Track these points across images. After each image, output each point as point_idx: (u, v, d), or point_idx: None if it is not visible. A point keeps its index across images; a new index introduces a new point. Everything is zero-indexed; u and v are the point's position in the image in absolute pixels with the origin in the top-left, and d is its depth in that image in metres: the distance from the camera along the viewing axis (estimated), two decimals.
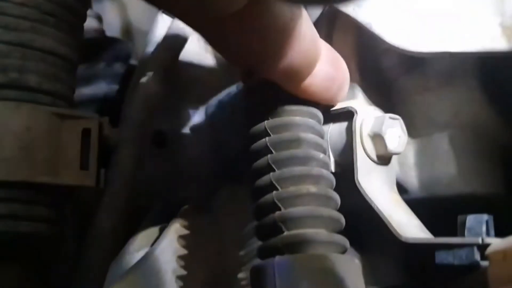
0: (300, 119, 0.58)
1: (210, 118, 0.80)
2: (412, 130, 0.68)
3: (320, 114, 0.61)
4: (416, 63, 0.64)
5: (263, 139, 0.57)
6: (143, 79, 0.72)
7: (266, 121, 0.57)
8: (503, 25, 0.55)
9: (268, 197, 0.55)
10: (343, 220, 0.57)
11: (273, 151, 0.56)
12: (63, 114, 0.55)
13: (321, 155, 0.58)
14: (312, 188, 0.54)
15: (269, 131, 0.57)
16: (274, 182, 0.54)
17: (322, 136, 0.60)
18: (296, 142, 0.56)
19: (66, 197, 0.59)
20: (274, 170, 0.55)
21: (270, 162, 0.55)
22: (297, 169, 0.55)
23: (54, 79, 0.59)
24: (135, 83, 0.77)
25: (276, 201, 0.53)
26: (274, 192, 0.54)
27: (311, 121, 0.59)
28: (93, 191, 0.59)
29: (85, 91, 0.99)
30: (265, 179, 0.56)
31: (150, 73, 0.72)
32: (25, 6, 0.56)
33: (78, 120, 0.56)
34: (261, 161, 0.57)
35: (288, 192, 0.54)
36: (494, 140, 0.67)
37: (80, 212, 0.70)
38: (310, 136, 0.58)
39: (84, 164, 0.56)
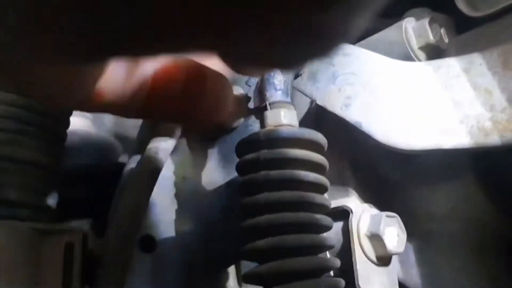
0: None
1: (200, 219, 0.78)
2: (410, 226, 0.65)
3: None
4: (410, 158, 0.63)
5: None
6: (131, 185, 0.70)
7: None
8: (493, 119, 0.55)
9: None
10: None
11: None
12: (44, 229, 0.53)
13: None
14: None
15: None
16: None
17: None
18: None
19: None
20: None
21: None
22: None
23: (35, 191, 0.57)
24: (122, 188, 0.74)
25: None
26: None
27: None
28: None
29: (72, 191, 0.96)
30: None
31: (137, 178, 0.70)
32: (3, 117, 0.55)
33: (60, 234, 0.53)
34: None
35: None
36: (495, 232, 0.65)
37: None
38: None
39: (66, 281, 0.52)
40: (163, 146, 0.76)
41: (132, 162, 0.84)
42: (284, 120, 0.58)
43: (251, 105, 0.63)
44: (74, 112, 0.67)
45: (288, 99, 0.60)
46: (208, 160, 0.85)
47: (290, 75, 0.61)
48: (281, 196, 0.54)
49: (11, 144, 0.54)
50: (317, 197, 0.55)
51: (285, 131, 0.57)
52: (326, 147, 0.59)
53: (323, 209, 0.56)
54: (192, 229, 0.79)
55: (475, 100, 0.56)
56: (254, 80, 0.63)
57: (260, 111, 0.60)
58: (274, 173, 0.55)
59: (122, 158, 1.08)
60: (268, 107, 0.59)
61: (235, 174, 0.77)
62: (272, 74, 0.60)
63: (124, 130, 1.17)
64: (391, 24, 0.76)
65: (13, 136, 0.55)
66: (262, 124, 0.60)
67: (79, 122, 1.09)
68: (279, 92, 0.59)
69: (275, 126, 0.58)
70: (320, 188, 0.57)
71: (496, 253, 0.65)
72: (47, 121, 0.57)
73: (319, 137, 0.58)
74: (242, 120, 0.80)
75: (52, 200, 0.60)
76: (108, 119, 1.29)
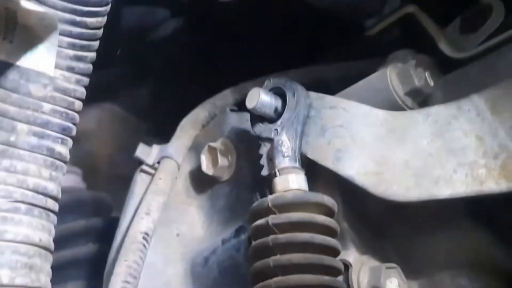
0: None
1: (195, 278, 0.77)
2: (411, 273, 0.64)
3: None
4: (406, 207, 0.62)
5: None
6: (125, 249, 0.68)
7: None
8: (487, 166, 0.55)
9: None
10: None
11: None
12: None
13: None
14: None
15: None
16: None
17: None
18: None
19: None
20: None
21: None
22: None
23: (28, 270, 0.55)
24: (115, 251, 0.73)
25: None
26: None
27: None
28: None
29: (65, 253, 0.94)
30: None
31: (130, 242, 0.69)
32: None
33: None
34: None
35: None
36: (499, 276, 0.65)
37: None
38: None
39: None
40: (155, 205, 0.75)
41: (125, 219, 0.83)
42: (293, 185, 0.61)
43: (264, 172, 0.65)
44: None
45: (297, 165, 0.62)
46: (200, 215, 0.84)
47: (298, 142, 0.63)
48: (290, 258, 0.56)
49: (2, 222, 0.53)
50: (326, 259, 0.57)
51: (292, 196, 0.59)
52: (335, 210, 0.60)
53: (333, 271, 0.57)
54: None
55: (466, 147, 0.56)
56: (266, 149, 0.65)
57: (270, 178, 0.63)
58: (282, 236, 0.57)
59: (114, 214, 1.07)
60: (277, 173, 0.62)
61: (229, 228, 0.77)
62: (280, 142, 0.63)
63: (116, 185, 1.16)
64: (374, 64, 0.76)
65: (5, 214, 0.53)
66: (273, 190, 0.62)
67: (69, 179, 1.08)
68: (287, 159, 0.62)
69: (284, 191, 0.60)
70: (330, 250, 0.58)
71: None
72: (39, 197, 0.56)
73: (326, 200, 0.59)
74: (232, 172, 0.80)
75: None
76: (101, 173, 1.28)
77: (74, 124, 0.55)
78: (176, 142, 0.83)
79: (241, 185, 0.78)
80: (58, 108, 0.54)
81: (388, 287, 0.60)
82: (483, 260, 0.63)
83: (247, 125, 0.73)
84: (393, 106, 0.65)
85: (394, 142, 0.59)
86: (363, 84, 0.69)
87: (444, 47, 0.72)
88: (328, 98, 0.65)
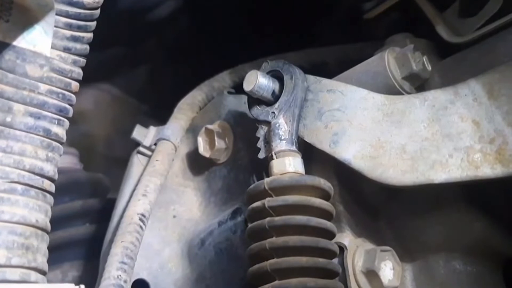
0: None
1: (192, 259, 0.77)
2: (406, 255, 0.65)
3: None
4: (402, 191, 0.62)
5: None
6: (121, 230, 0.69)
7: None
8: (483, 151, 0.55)
9: None
10: None
11: None
12: None
13: None
14: None
15: None
16: None
17: None
18: None
19: None
20: None
21: None
22: None
23: (25, 250, 0.55)
24: (112, 231, 0.74)
25: None
26: None
27: None
28: None
29: (62, 234, 0.95)
30: None
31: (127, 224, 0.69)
32: None
33: None
34: None
35: None
36: (493, 259, 0.65)
37: None
38: None
39: None
40: (152, 187, 0.76)
41: (122, 200, 0.83)
42: (289, 168, 0.61)
43: (261, 155, 0.66)
44: None
45: (293, 148, 0.63)
46: (197, 197, 0.84)
47: (295, 125, 0.63)
48: (286, 240, 0.56)
49: None
50: (321, 242, 0.57)
51: (288, 179, 0.60)
52: (332, 193, 0.61)
53: (329, 253, 0.57)
54: (184, 270, 0.78)
55: (463, 132, 0.56)
56: (263, 132, 0.66)
57: (267, 161, 0.63)
58: (279, 219, 0.57)
59: (111, 195, 1.07)
60: (274, 156, 0.62)
61: (225, 209, 0.77)
62: (277, 125, 0.63)
63: (113, 166, 1.16)
64: (372, 47, 0.76)
65: (1, 195, 0.53)
66: (269, 173, 0.62)
67: (66, 160, 1.08)
68: (284, 142, 0.63)
69: (281, 174, 0.61)
70: (325, 233, 0.59)
71: (495, 280, 0.65)
72: (36, 178, 0.56)
73: (323, 183, 0.60)
74: (229, 154, 0.80)
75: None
76: (98, 154, 1.28)
77: (70, 105, 0.55)
78: (173, 124, 0.83)
79: (238, 168, 0.78)
80: (54, 88, 0.53)
81: (383, 270, 0.60)
82: (477, 243, 0.64)
83: (244, 107, 0.73)
84: (391, 90, 0.65)
85: (391, 126, 0.59)
86: (360, 68, 0.69)
87: (442, 31, 0.72)
88: (326, 82, 0.65)
